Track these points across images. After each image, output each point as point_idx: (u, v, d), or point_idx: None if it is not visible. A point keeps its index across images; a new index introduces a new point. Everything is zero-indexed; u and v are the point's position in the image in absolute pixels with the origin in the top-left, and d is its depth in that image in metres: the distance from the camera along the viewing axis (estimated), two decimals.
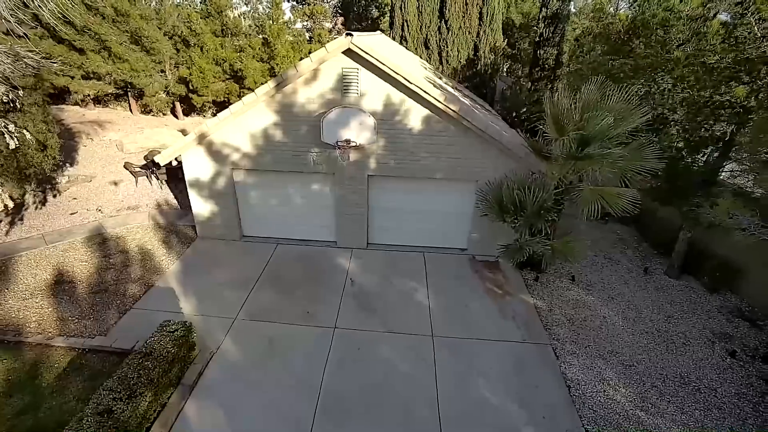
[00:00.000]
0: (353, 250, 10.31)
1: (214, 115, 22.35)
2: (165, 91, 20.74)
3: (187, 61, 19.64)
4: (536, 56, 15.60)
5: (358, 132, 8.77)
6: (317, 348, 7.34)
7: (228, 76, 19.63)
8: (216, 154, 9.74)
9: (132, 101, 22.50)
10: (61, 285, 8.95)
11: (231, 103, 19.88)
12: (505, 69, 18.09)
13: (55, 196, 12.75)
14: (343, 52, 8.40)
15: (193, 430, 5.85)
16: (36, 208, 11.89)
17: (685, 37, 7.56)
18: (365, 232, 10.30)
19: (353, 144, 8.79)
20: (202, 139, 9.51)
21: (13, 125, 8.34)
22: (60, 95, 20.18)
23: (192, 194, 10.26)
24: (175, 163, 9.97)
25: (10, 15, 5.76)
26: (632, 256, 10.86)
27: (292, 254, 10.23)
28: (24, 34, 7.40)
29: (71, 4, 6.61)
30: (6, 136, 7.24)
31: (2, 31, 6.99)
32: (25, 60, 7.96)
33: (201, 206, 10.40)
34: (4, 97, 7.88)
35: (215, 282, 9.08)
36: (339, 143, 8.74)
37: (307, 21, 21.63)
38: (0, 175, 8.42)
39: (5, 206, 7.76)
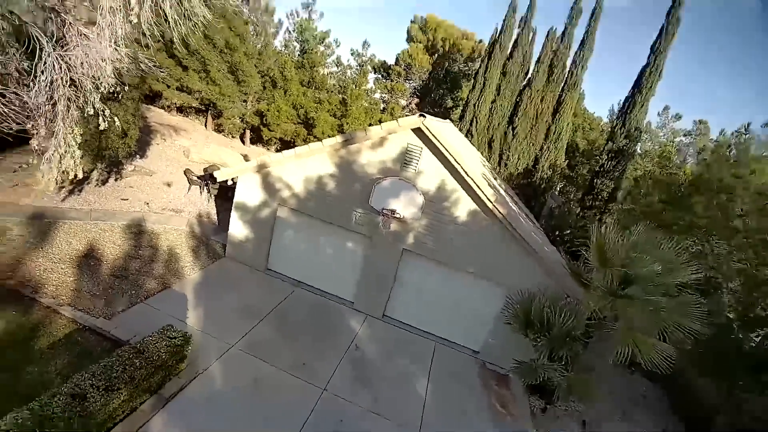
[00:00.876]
0: (367, 317, 10.12)
1: (278, 150, 24.07)
2: (241, 118, 22.57)
3: (269, 99, 21.50)
4: (592, 184, 15.91)
5: (405, 206, 9.04)
6: (300, 405, 6.99)
7: (300, 121, 21.19)
8: (269, 186, 10.25)
9: (209, 118, 24.60)
10: (88, 259, 9.26)
11: (295, 144, 21.44)
12: (558, 187, 18.48)
13: (116, 179, 13.65)
14: (412, 129, 8.96)
15: None
16: (96, 185, 12.72)
17: (749, 209, 7.54)
18: (384, 302, 10.17)
19: (397, 215, 9.03)
20: (261, 168, 10.09)
21: (108, 111, 9.32)
22: (153, 97, 22.39)
23: (234, 215, 10.68)
24: (230, 183, 10.54)
25: (147, 29, 6.71)
26: (654, 421, 9.93)
27: (308, 300, 10.17)
28: (149, 44, 8.52)
29: (194, 31, 7.60)
30: (100, 117, 8.05)
31: (134, 38, 8.07)
32: (140, 63, 9.09)
33: (238, 228, 10.75)
34: (112, 88, 8.93)
35: (226, 304, 9.10)
36: (384, 211, 9.01)
37: (385, 94, 23.47)
38: (81, 147, 9.22)
39: (75, 175, 8.38)
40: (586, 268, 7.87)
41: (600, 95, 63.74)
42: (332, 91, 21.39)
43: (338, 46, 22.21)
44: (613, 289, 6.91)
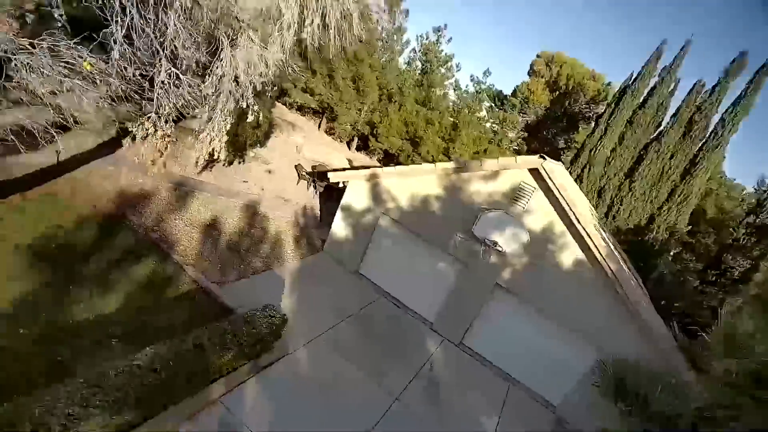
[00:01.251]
0: (444, 341, 10.06)
1: (380, 160, 25.11)
2: (353, 125, 23.94)
3: (383, 112, 22.52)
4: (719, 259, 14.04)
5: (508, 241, 8.88)
6: (371, 408, 7.20)
7: (407, 138, 21.87)
8: (376, 195, 10.76)
9: (324, 121, 26.53)
10: (211, 229, 10.53)
11: (399, 158, 22.18)
12: (672, 252, 16.63)
13: (239, 163, 15.33)
14: (529, 169, 8.82)
15: (244, 403, 6.14)
16: (224, 165, 14.41)
17: None
18: (464, 331, 10.04)
19: (499, 248, 8.90)
20: (373, 177, 10.64)
21: (257, 106, 10.65)
22: (279, 95, 24.80)
23: (339, 215, 11.38)
24: (341, 185, 11.27)
25: (310, 42, 7.63)
26: None
27: (388, 310, 10.42)
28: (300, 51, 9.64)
29: (328, 45, 8.42)
30: (250, 110, 9.23)
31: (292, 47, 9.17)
32: (288, 67, 10.27)
33: (340, 228, 11.42)
34: (260, 87, 10.19)
35: (317, 296, 9.69)
36: (487, 241, 8.94)
37: (496, 124, 23.30)
38: (228, 133, 10.64)
39: (217, 154, 9.66)
40: (704, 352, 6.99)
41: (747, 159, 54.79)
42: (445, 114, 21.79)
43: (459, 70, 22.65)
44: (738, 384, 6.04)
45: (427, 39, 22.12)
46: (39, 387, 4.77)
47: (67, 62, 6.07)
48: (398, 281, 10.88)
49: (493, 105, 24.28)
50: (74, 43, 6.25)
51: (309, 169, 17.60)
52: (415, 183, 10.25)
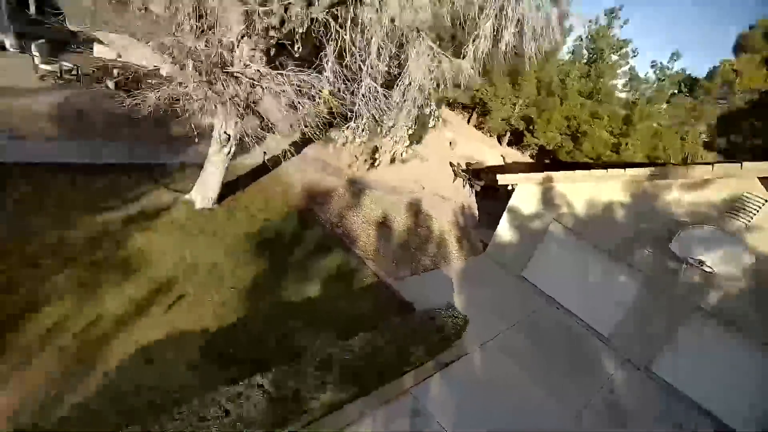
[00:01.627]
0: (625, 362, 9.17)
1: (533, 156, 23.85)
2: (507, 119, 23.10)
3: (540, 106, 21.18)
4: None
5: (720, 262, 7.62)
6: (549, 421, 7.04)
7: (567, 133, 20.20)
8: (548, 200, 10.31)
9: (474, 115, 26.25)
10: (382, 227, 11.48)
11: (557, 155, 20.70)
12: None
13: (403, 162, 16.25)
14: (760, 177, 7.35)
15: (430, 396, 6.66)
16: (387, 164, 15.46)
17: None
18: (651, 355, 8.97)
19: (707, 269, 7.70)
20: (546, 181, 10.21)
21: (437, 111, 11.17)
22: None
23: (505, 218, 11.26)
24: (510, 188, 11.10)
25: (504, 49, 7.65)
26: None
27: (557, 319, 9.97)
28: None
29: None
30: (431, 116, 9.76)
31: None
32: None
33: (505, 231, 11.30)
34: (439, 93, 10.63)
35: (484, 298, 9.80)
36: (690, 260, 7.82)
37: (681, 115, 19.78)
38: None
39: (399, 156, 10.50)
40: None
41: None
42: (616, 106, 19.49)
43: (635, 56, 19.84)
44: None
45: (596, 23, 19.91)
46: (275, 359, 5.97)
47: (299, 85, 7.28)
48: (567, 289, 10.29)
49: (678, 92, 20.66)
50: (298, 68, 7.49)
51: (464, 166, 17.73)
52: (593, 188, 9.50)
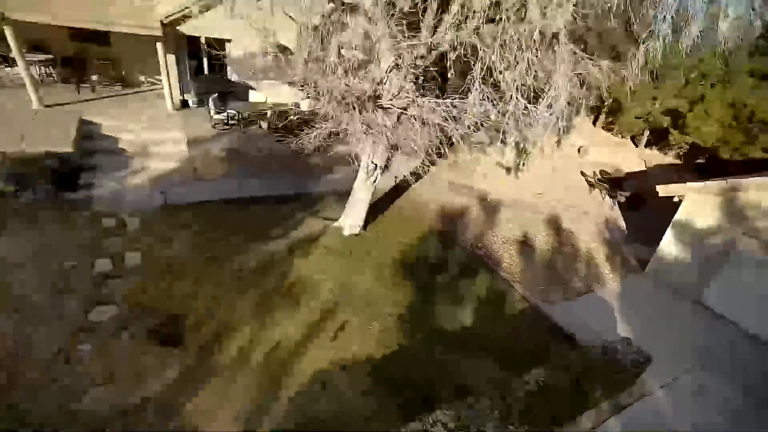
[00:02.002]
0: None
1: (678, 157, 20.66)
2: (644, 117, 20.40)
3: (691, 96, 18.27)
4: None
5: None
6: None
7: (735, 125, 16.96)
8: (733, 211, 8.65)
9: (602, 115, 23.68)
10: (524, 246, 10.83)
11: (717, 153, 17.54)
12: None
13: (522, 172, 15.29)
14: None
15: None
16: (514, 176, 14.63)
17: None
18: None
19: None
20: (731, 190, 8.60)
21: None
22: None
23: (670, 233, 9.77)
24: (675, 200, 9.62)
25: None
26: None
27: (760, 357, 8.21)
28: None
29: None
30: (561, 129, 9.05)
31: None
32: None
33: (670, 248, 9.80)
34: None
35: (653, 325, 8.56)
36: None
37: None
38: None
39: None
40: None
41: None
42: None
43: None
44: None
45: None
46: (441, 388, 5.91)
47: (446, 110, 7.26)
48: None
49: None
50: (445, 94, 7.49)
51: (599, 175, 16.02)
52: None
